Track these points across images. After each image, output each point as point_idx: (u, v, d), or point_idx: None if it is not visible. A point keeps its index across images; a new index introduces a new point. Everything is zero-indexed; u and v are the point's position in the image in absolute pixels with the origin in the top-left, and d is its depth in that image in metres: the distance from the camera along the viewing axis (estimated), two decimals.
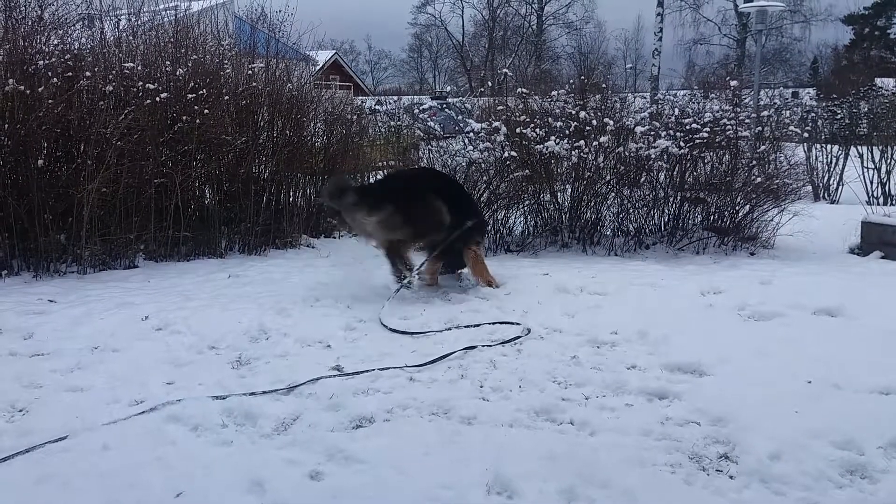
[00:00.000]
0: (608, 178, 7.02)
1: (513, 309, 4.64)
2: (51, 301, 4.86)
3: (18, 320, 4.21)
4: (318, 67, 15.76)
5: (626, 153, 7.03)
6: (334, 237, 7.96)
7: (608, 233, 7.07)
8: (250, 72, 7.52)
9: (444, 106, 15.96)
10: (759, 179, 6.87)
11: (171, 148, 6.43)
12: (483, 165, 7.03)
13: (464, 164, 7.08)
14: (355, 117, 9.52)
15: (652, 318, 4.30)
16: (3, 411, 2.99)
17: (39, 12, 6.50)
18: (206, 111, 6.53)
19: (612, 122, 6.99)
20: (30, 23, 6.32)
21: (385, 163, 11.93)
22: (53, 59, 5.96)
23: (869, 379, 3.29)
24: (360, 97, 19.45)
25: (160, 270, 6.07)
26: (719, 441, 2.78)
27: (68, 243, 5.88)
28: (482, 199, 6.98)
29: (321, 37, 18.63)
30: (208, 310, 4.66)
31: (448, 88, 25.30)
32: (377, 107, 15.38)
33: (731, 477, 2.53)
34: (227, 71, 7.33)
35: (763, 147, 7.44)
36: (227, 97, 6.98)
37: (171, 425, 2.86)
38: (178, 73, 6.67)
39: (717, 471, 2.58)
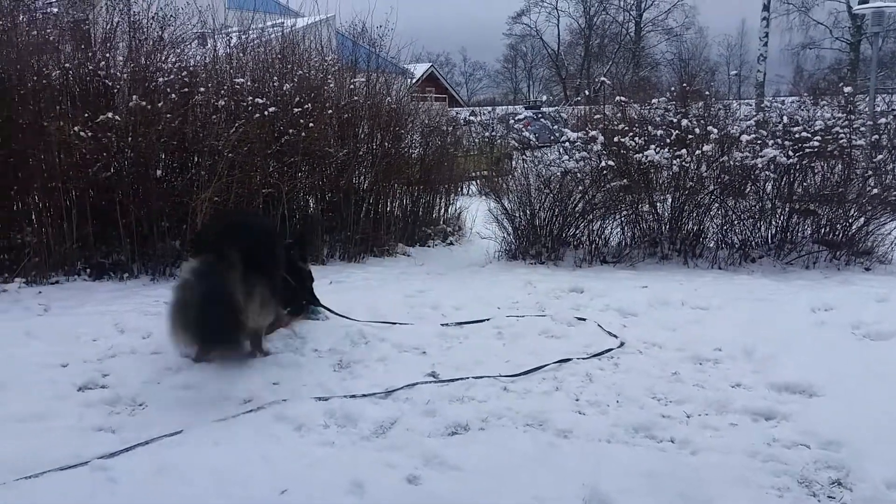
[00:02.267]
0: (711, 188, 6.78)
1: (609, 322, 4.56)
2: (167, 303, 5.16)
3: (139, 321, 4.50)
4: (414, 80, 16.07)
5: (731, 162, 6.78)
6: (429, 246, 8.08)
7: (711, 245, 6.83)
8: (352, 86, 7.77)
9: (539, 115, 15.91)
10: (875, 190, 6.47)
11: (278, 160, 6.72)
12: (579, 175, 6.95)
13: (558, 173, 7.02)
14: (451, 128, 9.64)
15: (758, 334, 4.13)
16: (125, 405, 3.20)
17: (160, 32, 6.96)
18: (310, 124, 6.78)
19: (715, 131, 6.78)
20: (151, 42, 6.77)
21: (478, 172, 12.05)
22: (172, 76, 6.35)
23: None
24: (454, 108, 19.68)
25: None
26: (831, 466, 2.64)
27: (182, 249, 6.24)
28: (577, 209, 6.91)
29: (419, 50, 19.00)
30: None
31: (542, 98, 25.19)
32: (471, 118, 15.54)
33: None
34: (331, 85, 7.60)
35: (880, 156, 7.01)
36: (330, 111, 7.22)
37: (277, 424, 2.99)
38: (284, 88, 6.96)
39: (828, 497, 2.45)
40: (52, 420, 2.94)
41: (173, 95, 6.16)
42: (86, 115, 5.75)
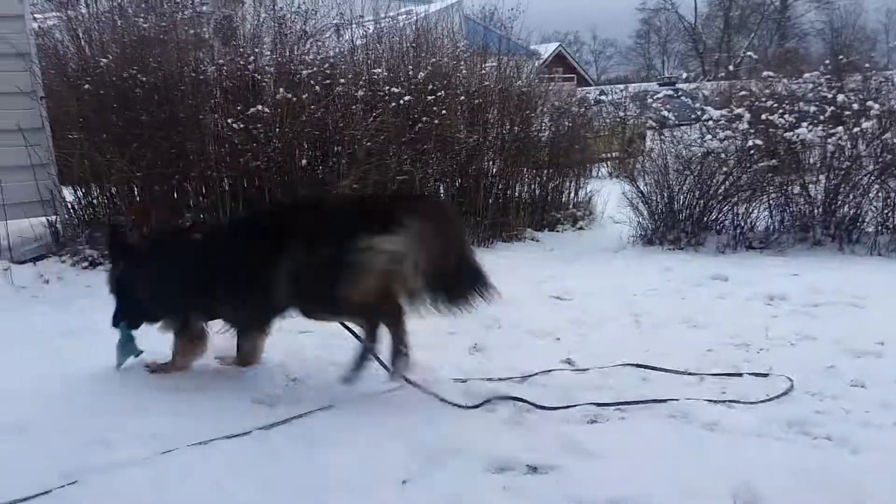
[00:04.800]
0: (871, 168, 6.24)
1: (757, 313, 4.33)
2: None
3: None
4: (541, 61, 15.86)
5: (894, 140, 6.20)
6: (558, 231, 8.00)
7: (870, 230, 6.29)
8: (483, 71, 7.79)
9: (679, 93, 15.23)
10: None
11: (412, 147, 6.88)
12: (723, 155, 6.61)
13: (699, 154, 6.71)
14: (581, 110, 9.45)
15: None
16: (280, 379, 3.41)
17: (302, 24, 7.29)
18: (443, 112, 6.88)
19: (877, 106, 6.22)
20: (294, 36, 7.12)
21: (609, 154, 11.74)
22: (314, 69, 6.65)
23: None
24: (583, 88, 19.24)
25: None
26: None
27: None
28: (719, 191, 6.58)
29: (547, 31, 18.75)
30: None
31: (678, 74, 24.08)
32: (602, 97, 15.13)
33: None
34: (462, 72, 7.66)
35: None
36: (461, 97, 7.29)
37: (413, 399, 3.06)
38: (419, 76, 7.09)
39: None
40: (214, 391, 3.18)
41: (316, 87, 6.44)
42: (237, 108, 6.15)
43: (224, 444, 2.64)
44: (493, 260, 6.39)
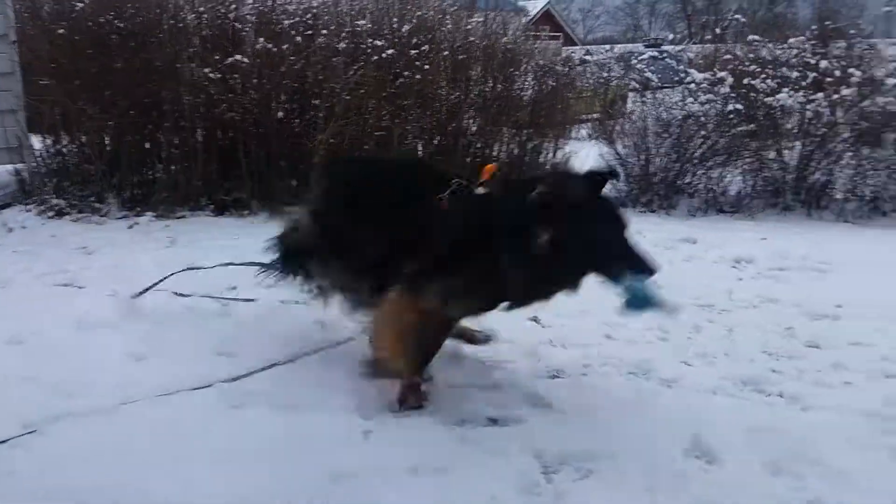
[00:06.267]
0: (846, 135, 6.30)
1: (723, 275, 4.42)
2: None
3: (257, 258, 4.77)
4: (528, 18, 15.64)
5: (872, 108, 6.25)
6: None
7: (839, 197, 6.38)
8: (468, 26, 7.68)
9: (663, 55, 15.15)
10: None
11: (392, 102, 6.80)
12: (702, 119, 6.62)
13: (679, 117, 6.73)
14: (566, 69, 9.38)
15: (886, 293, 3.87)
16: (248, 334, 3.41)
17: None
18: (425, 66, 6.79)
19: (858, 73, 6.24)
20: None
21: (590, 116, 11.69)
22: (296, 19, 6.51)
23: None
24: (569, 47, 19.06)
25: None
26: None
27: (297, 187, 6.51)
28: (696, 155, 6.62)
29: None
30: None
31: (664, 36, 23.92)
32: (587, 57, 15.01)
33: None
34: (448, 26, 7.54)
35: None
36: (445, 52, 7.20)
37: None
38: (403, 29, 6.96)
39: None
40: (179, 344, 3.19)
41: (297, 38, 6.31)
42: (215, 57, 6.03)
43: (187, 396, 2.67)
44: None
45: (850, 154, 6.30)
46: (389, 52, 6.67)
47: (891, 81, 6.24)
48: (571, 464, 2.28)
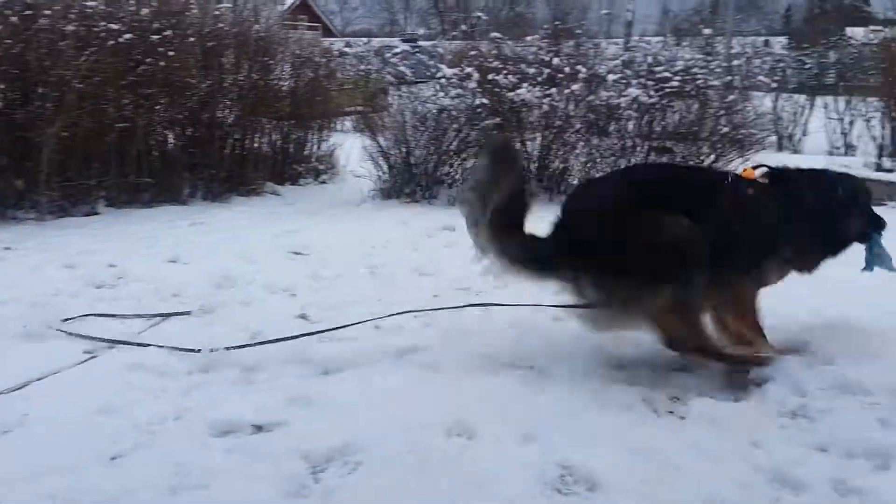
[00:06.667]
0: (578, 126, 7.02)
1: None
2: (6, 248, 4.79)
3: None
4: (284, 7, 15.29)
5: (597, 101, 7.02)
6: (300, 185, 7.89)
7: (575, 182, 7.11)
8: (217, 12, 7.32)
9: (416, 49, 15.67)
10: (725, 129, 6.93)
11: (134, 91, 6.27)
12: (454, 113, 6.97)
13: (434, 110, 7.01)
14: (324, 60, 9.32)
15: None
16: None
17: None
18: (170, 53, 6.35)
19: (584, 70, 6.96)
20: None
21: (354, 108, 11.77)
22: None
23: None
24: (328, 39, 18.98)
25: (121, 217, 6.00)
26: (671, 385, 2.87)
27: (26, 189, 5.75)
28: (452, 147, 6.96)
29: None
30: (172, 257, 4.64)
31: (419, 31, 24.79)
32: (346, 49, 15.05)
33: (681, 418, 2.63)
34: (194, 11, 7.12)
35: (732, 96, 7.48)
36: (192, 39, 6.78)
37: (135, 372, 2.87)
38: (142, 12, 6.45)
39: (668, 412, 2.67)
40: None
41: (13, 19, 5.55)
42: None
43: None
44: (229, 216, 6.17)
45: (583, 143, 7.03)
46: (127, 36, 6.12)
47: (611, 77, 7.06)
48: (339, 459, 2.26)
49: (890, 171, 8.53)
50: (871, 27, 14.10)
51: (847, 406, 2.61)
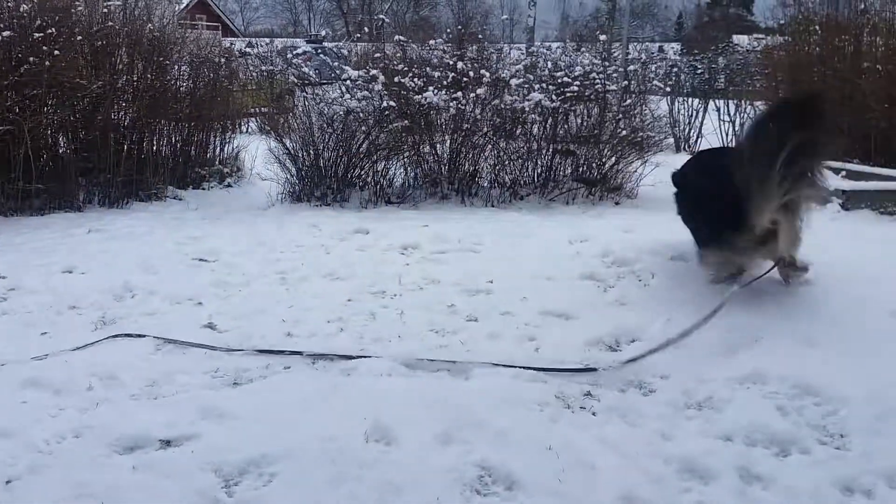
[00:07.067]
0: (485, 130, 7.11)
1: (392, 261, 4.67)
2: None
3: None
4: (181, 6, 14.75)
5: (502, 105, 7.13)
6: (204, 189, 7.62)
7: (485, 184, 7.20)
8: (105, 10, 6.96)
9: (320, 51, 15.46)
10: (624, 132, 7.20)
11: (18, 92, 5.88)
12: (362, 115, 6.91)
13: (341, 112, 6.93)
14: (224, 60, 9.04)
15: (525, 266, 4.46)
16: None
17: None
18: (56, 52, 5.99)
19: (488, 74, 7.07)
20: None
21: (258, 109, 11.48)
22: None
23: None
24: (228, 38, 18.44)
25: (10, 226, 5.62)
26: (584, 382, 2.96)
27: None
28: (361, 149, 6.90)
29: None
30: (67, 267, 4.39)
31: (324, 32, 24.47)
32: (248, 49, 14.66)
33: (593, 414, 2.71)
34: (80, 8, 6.74)
35: (629, 101, 7.77)
36: (79, 37, 6.42)
37: (29, 389, 2.70)
38: (21, 8, 6.05)
39: (581, 408, 2.75)
40: None
41: None
42: None
43: None
44: (127, 223, 5.89)
45: (490, 146, 7.13)
46: (6, 34, 5.74)
47: (515, 82, 7.19)
48: (254, 472, 2.20)
49: None
50: (755, 35, 15.04)
51: (748, 396, 2.78)
